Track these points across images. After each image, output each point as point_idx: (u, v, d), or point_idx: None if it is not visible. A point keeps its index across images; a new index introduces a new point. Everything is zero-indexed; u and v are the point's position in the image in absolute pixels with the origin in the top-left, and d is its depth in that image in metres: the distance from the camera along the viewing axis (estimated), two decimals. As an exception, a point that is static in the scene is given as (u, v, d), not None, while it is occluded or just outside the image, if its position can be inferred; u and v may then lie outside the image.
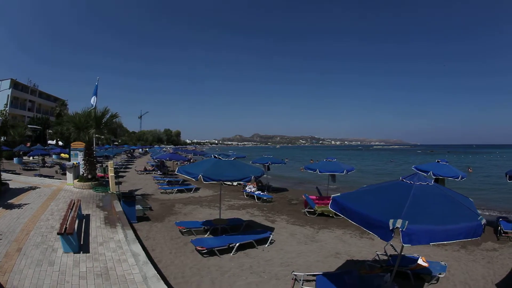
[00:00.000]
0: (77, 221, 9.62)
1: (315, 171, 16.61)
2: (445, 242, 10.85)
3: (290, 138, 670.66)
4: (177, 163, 30.91)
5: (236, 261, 8.91)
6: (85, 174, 19.11)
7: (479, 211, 5.01)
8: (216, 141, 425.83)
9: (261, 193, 19.85)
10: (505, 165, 44.16)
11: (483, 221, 4.42)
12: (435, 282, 8.09)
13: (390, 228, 4.13)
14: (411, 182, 5.23)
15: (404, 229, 4.05)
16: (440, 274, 8.11)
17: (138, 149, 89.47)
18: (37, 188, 17.34)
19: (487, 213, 18.12)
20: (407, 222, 4.09)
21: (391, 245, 8.17)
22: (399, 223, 4.10)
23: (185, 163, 27.75)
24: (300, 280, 7.31)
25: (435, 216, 4.55)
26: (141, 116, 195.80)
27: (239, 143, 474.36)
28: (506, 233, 12.92)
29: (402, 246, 5.93)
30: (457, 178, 13.25)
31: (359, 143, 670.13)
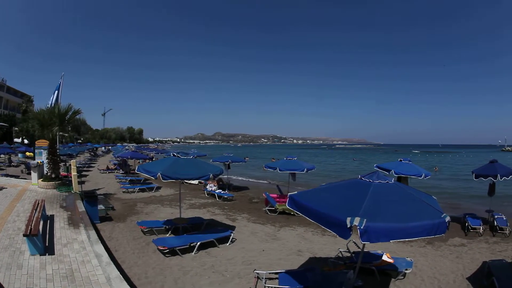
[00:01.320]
0: (41, 222, 9.43)
1: (275, 169, 16.75)
2: (411, 239, 11.28)
3: (252, 137, 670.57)
4: (139, 162, 30.84)
5: (198, 260, 8.93)
6: (49, 173, 18.66)
7: (448, 208, 5.11)
8: (178, 139, 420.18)
9: (222, 192, 19.96)
10: (472, 163, 45.66)
11: (447, 219, 4.50)
12: (402, 277, 8.27)
13: (348, 226, 4.13)
14: (370, 181, 5.28)
15: (362, 227, 4.08)
16: (406, 270, 8.27)
17: (101, 147, 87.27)
18: (4, 188, 16.76)
19: (454, 210, 18.62)
20: (365, 220, 4.12)
21: (353, 242, 8.32)
22: (356, 221, 4.11)
23: (146, 161, 27.68)
24: (263, 278, 7.35)
25: (395, 214, 4.63)
26: (104, 114, 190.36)
27: (201, 142, 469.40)
28: (475, 228, 13.38)
29: (364, 243, 6.11)
30: (420, 176, 13.55)
31: (321, 142, 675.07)
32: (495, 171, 13.84)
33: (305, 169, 16.59)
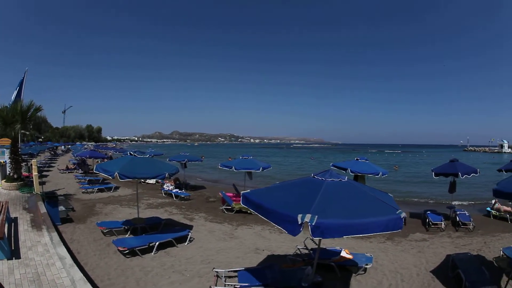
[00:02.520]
0: (6, 225, 9.20)
1: (231, 168, 16.91)
2: (370, 235, 11.67)
3: (209, 136, 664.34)
4: (97, 161, 30.29)
5: (158, 260, 9.00)
6: (11, 174, 18.27)
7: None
8: (136, 138, 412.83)
9: (179, 191, 19.97)
10: (433, 163, 47.28)
11: (402, 215, 4.64)
12: (363, 272, 8.51)
13: (299, 222, 4.24)
14: (322, 179, 5.41)
15: (313, 223, 4.19)
16: (366, 265, 8.51)
17: (61, 146, 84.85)
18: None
19: (415, 207, 19.31)
20: (316, 216, 4.23)
21: (311, 239, 8.46)
22: (307, 217, 4.22)
23: (105, 160, 27.38)
24: (222, 276, 7.51)
25: (348, 210, 4.78)
26: (64, 111, 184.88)
27: (158, 140, 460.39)
28: (436, 224, 13.82)
29: (320, 240, 6.27)
30: (377, 174, 13.76)
31: (278, 141, 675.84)
32: (456, 170, 14.36)
33: (261, 168, 16.88)
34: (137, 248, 9.16)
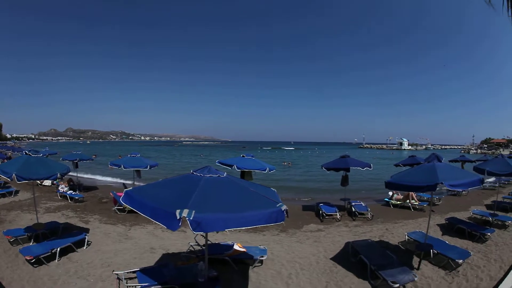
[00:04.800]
0: None
1: (120, 167, 16.61)
2: (263, 229, 12.08)
3: (101, 133, 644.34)
4: (-3, 162, 27.93)
5: (62, 267, 8.66)
6: None
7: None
8: (33, 136, 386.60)
9: (73, 193, 19.10)
10: (327, 159, 49.86)
11: (283, 207, 4.81)
12: (260, 264, 8.79)
13: (178, 218, 4.29)
14: (201, 175, 5.55)
15: (191, 218, 4.26)
16: (262, 257, 8.76)
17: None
18: None
19: (309, 200, 20.50)
20: (194, 211, 4.31)
21: (201, 235, 8.65)
22: (185, 212, 4.29)
23: (4, 161, 25.44)
24: (123, 278, 7.43)
25: (226, 204, 4.92)
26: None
27: (53, 138, 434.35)
28: (331, 215, 14.62)
29: (207, 234, 6.44)
30: (264, 170, 13.97)
31: (168, 138, 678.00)
32: (347, 165, 15.18)
33: (148, 166, 16.83)
34: (41, 256, 8.74)
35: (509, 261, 9.15)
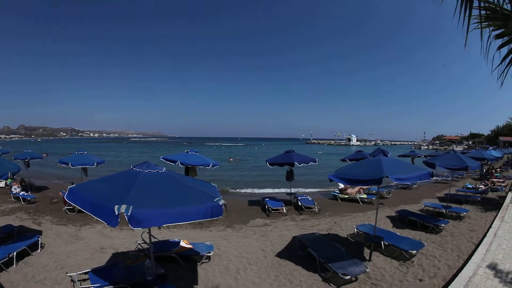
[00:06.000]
0: None
1: (68, 165, 16.33)
2: (209, 225, 12.08)
3: (52, 130, 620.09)
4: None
5: (20, 272, 8.36)
6: None
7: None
8: None
9: (25, 194, 18.40)
10: (273, 154, 50.81)
11: (221, 202, 4.93)
12: (207, 260, 8.83)
13: (116, 213, 4.31)
14: (140, 170, 5.58)
15: (129, 214, 4.30)
16: (208, 253, 8.83)
17: None
18: None
19: (255, 195, 20.82)
20: (131, 206, 4.36)
21: (147, 232, 8.59)
22: (123, 208, 4.33)
23: None
24: (76, 280, 7.28)
25: (165, 199, 4.96)
26: None
27: (6, 137, 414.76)
28: (277, 209, 14.75)
29: (150, 230, 6.49)
30: (208, 166, 14.08)
31: (117, 135, 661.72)
32: (291, 160, 15.44)
33: (95, 163, 16.65)
34: (0, 262, 8.38)
35: (467, 250, 9.41)
